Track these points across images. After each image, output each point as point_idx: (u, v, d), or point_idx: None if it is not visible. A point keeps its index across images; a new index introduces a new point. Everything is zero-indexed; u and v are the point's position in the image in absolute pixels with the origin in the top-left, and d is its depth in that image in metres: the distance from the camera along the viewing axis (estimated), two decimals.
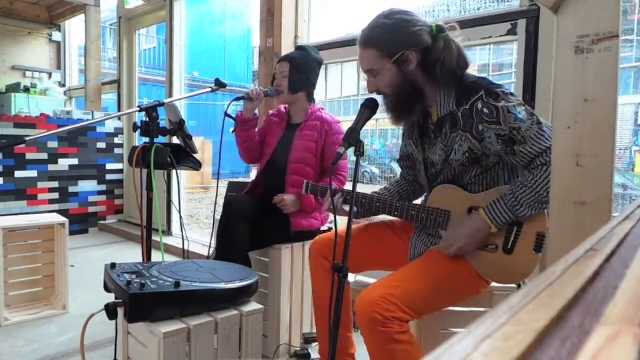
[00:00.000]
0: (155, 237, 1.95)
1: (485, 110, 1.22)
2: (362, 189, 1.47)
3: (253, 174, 2.29)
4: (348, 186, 1.60)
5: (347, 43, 2.87)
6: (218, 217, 2.09)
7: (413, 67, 1.29)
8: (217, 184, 2.20)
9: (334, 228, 2.36)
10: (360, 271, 1.62)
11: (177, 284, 1.34)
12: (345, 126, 1.73)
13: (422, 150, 1.42)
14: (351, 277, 1.61)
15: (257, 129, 2.20)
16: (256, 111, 2.16)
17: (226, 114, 2.09)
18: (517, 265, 1.28)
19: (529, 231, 1.27)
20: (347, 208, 1.44)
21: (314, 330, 2.20)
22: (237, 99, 2.12)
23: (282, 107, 2.28)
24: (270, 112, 2.34)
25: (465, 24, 2.26)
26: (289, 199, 2.00)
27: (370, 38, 1.30)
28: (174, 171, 1.96)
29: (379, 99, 1.40)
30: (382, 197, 1.44)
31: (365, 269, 1.63)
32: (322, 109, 2.19)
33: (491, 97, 1.23)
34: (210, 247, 2.09)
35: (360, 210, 1.48)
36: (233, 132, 2.17)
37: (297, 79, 2.10)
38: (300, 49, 2.25)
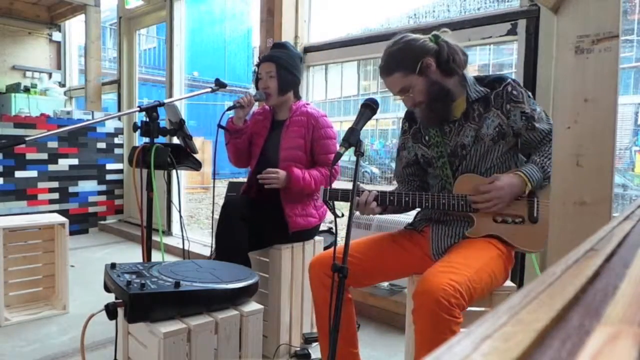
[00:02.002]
0: (155, 237, 1.95)
1: (514, 92, 1.46)
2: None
3: None
4: (346, 185, 1.60)
5: (347, 43, 2.87)
6: (210, 215, 2.09)
7: (434, 69, 1.47)
8: (213, 192, 2.19)
9: (334, 228, 2.36)
10: (365, 285, 1.63)
11: (177, 284, 1.34)
12: (346, 126, 1.74)
13: (444, 143, 1.54)
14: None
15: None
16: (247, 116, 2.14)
17: (219, 125, 2.08)
18: (545, 230, 1.43)
19: (544, 201, 1.46)
20: (373, 206, 1.49)
21: (314, 330, 2.20)
22: (229, 109, 2.10)
23: (267, 105, 2.25)
24: (255, 110, 2.32)
25: (465, 24, 2.26)
26: (282, 175, 1.96)
27: (390, 65, 1.49)
28: (174, 171, 1.96)
29: (412, 112, 1.57)
30: (409, 192, 1.51)
31: (369, 282, 1.64)
32: (308, 104, 2.17)
33: (517, 84, 1.49)
34: (212, 247, 2.09)
35: (390, 207, 1.53)
36: (227, 144, 2.16)
37: (285, 79, 2.07)
38: (279, 46, 2.20)
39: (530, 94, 1.49)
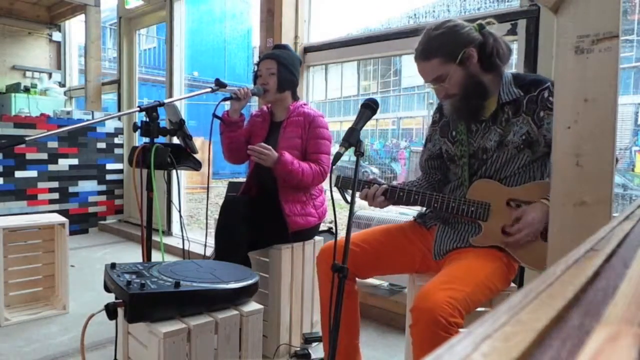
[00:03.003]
0: (155, 237, 1.95)
1: (551, 99, 1.34)
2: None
3: None
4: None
5: (347, 43, 2.87)
6: (209, 215, 2.09)
7: (474, 61, 1.38)
8: (208, 185, 2.19)
9: (334, 228, 2.36)
10: (370, 276, 1.63)
11: (177, 284, 1.34)
12: (346, 126, 1.73)
13: (468, 143, 1.47)
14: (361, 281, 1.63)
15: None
16: (243, 111, 2.13)
17: (214, 115, 2.07)
18: None
19: None
20: (381, 200, 1.48)
21: (314, 330, 2.20)
22: (225, 99, 2.07)
23: (265, 107, 2.25)
24: (253, 112, 2.31)
25: None
26: (273, 154, 1.91)
27: (429, 49, 1.39)
28: (174, 171, 1.96)
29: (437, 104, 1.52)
30: (420, 190, 1.47)
31: (374, 273, 1.63)
32: (305, 104, 2.17)
33: None
34: (205, 246, 2.09)
35: (398, 201, 1.51)
36: (221, 134, 2.15)
37: (285, 77, 2.08)
38: (281, 47, 2.22)
39: None
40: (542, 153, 1.41)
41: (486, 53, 1.38)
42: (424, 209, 1.66)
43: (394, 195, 1.47)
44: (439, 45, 1.37)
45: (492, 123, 1.43)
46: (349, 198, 1.42)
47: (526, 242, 1.37)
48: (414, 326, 1.20)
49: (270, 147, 1.94)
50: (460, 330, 1.18)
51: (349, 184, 1.49)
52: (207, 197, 2.13)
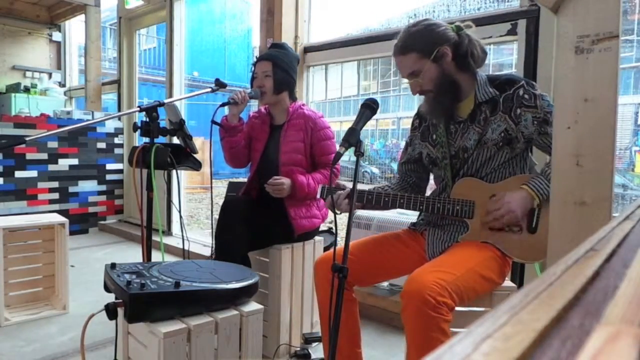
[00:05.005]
0: (155, 237, 1.95)
1: (526, 96, 1.41)
2: (362, 187, 1.49)
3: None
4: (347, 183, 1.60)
5: (347, 43, 2.87)
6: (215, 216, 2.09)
7: (449, 60, 1.43)
8: (211, 185, 2.19)
9: (334, 228, 2.36)
10: (368, 283, 1.65)
11: (177, 284, 1.34)
12: (346, 126, 1.74)
13: (448, 144, 1.51)
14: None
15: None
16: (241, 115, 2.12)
17: (213, 121, 2.06)
18: (543, 242, 1.39)
19: (546, 211, 1.40)
20: (346, 203, 1.50)
21: (314, 330, 2.20)
22: (223, 104, 2.07)
23: (263, 108, 2.23)
24: (251, 114, 2.30)
25: None
26: (287, 184, 1.96)
27: (407, 45, 1.45)
28: (174, 171, 1.96)
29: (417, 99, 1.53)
30: (404, 194, 1.50)
31: (372, 280, 1.65)
32: (304, 105, 2.16)
33: (530, 86, 1.43)
34: (212, 247, 2.09)
35: (368, 205, 1.54)
36: (222, 140, 2.14)
37: (281, 78, 2.05)
38: (277, 46, 2.19)
39: (545, 95, 1.42)
40: (520, 149, 1.46)
41: (460, 53, 1.43)
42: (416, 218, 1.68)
43: (362, 199, 1.50)
44: (416, 41, 1.43)
45: (471, 122, 1.47)
46: (337, 210, 1.46)
47: (511, 235, 1.41)
48: (404, 310, 1.22)
49: (282, 179, 1.96)
50: (450, 313, 1.19)
51: (331, 192, 1.52)
52: (212, 197, 2.13)
